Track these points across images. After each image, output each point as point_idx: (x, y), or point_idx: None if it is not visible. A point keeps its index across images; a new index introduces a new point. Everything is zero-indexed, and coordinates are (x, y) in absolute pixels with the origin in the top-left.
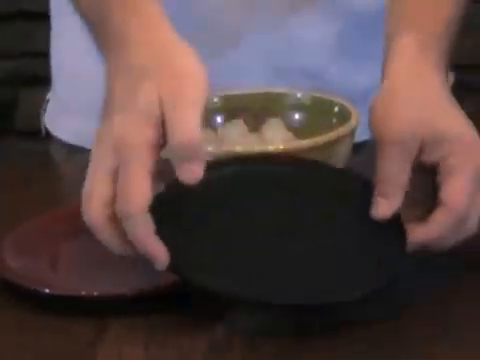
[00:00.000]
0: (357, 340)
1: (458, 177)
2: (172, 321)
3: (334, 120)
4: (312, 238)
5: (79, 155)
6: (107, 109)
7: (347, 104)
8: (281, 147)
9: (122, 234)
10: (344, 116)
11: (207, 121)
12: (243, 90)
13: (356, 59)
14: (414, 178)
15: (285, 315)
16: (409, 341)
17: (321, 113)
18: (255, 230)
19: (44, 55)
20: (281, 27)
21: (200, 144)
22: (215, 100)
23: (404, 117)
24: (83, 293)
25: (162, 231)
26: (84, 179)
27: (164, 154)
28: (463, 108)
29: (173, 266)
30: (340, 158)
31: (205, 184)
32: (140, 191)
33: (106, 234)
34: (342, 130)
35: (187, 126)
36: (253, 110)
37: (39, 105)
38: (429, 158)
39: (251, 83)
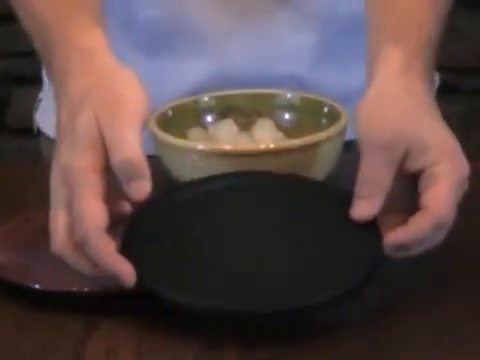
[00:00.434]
0: (355, 340)
1: (441, 185)
2: (164, 320)
3: (324, 120)
4: (284, 244)
5: None
6: (57, 138)
7: (336, 104)
8: (271, 146)
9: (88, 257)
10: (334, 116)
11: (198, 120)
12: (234, 90)
13: (340, 62)
14: (394, 186)
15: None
16: (409, 341)
17: (311, 113)
18: (228, 243)
19: (36, 55)
20: (265, 33)
21: (143, 161)
22: (206, 99)
23: (391, 124)
24: (74, 289)
25: (132, 249)
26: None
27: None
28: (470, 140)
29: (142, 282)
30: (330, 158)
31: (181, 202)
32: (91, 214)
33: (74, 261)
34: (332, 130)
35: (126, 145)
36: (244, 110)
37: (31, 104)
38: (412, 166)
39: (238, 86)
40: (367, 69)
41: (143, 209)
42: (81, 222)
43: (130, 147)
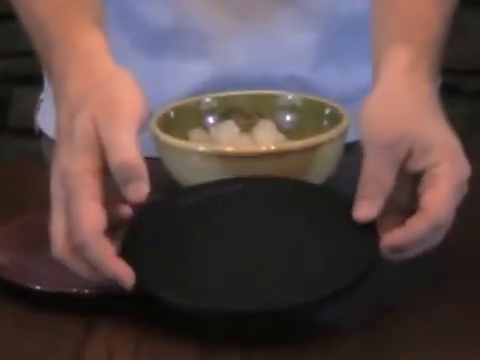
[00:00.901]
0: (355, 341)
1: (440, 186)
2: (163, 322)
3: (325, 122)
4: (285, 248)
5: None
6: (57, 141)
7: (338, 106)
8: (272, 148)
9: (87, 261)
10: (335, 118)
11: (200, 121)
12: (235, 91)
13: (342, 62)
14: (396, 187)
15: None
16: (408, 341)
17: (312, 115)
18: (229, 246)
19: (36, 54)
20: (267, 32)
21: (140, 163)
22: (208, 100)
23: (395, 124)
24: (74, 290)
25: (133, 252)
26: None
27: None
28: (471, 142)
29: (142, 285)
30: (331, 160)
31: (183, 207)
32: (89, 217)
33: (74, 264)
34: (333, 132)
35: (123, 147)
36: (245, 111)
37: (33, 104)
38: (414, 167)
39: (239, 87)
40: (372, 68)
41: (144, 213)
42: (79, 225)
43: (126, 149)
